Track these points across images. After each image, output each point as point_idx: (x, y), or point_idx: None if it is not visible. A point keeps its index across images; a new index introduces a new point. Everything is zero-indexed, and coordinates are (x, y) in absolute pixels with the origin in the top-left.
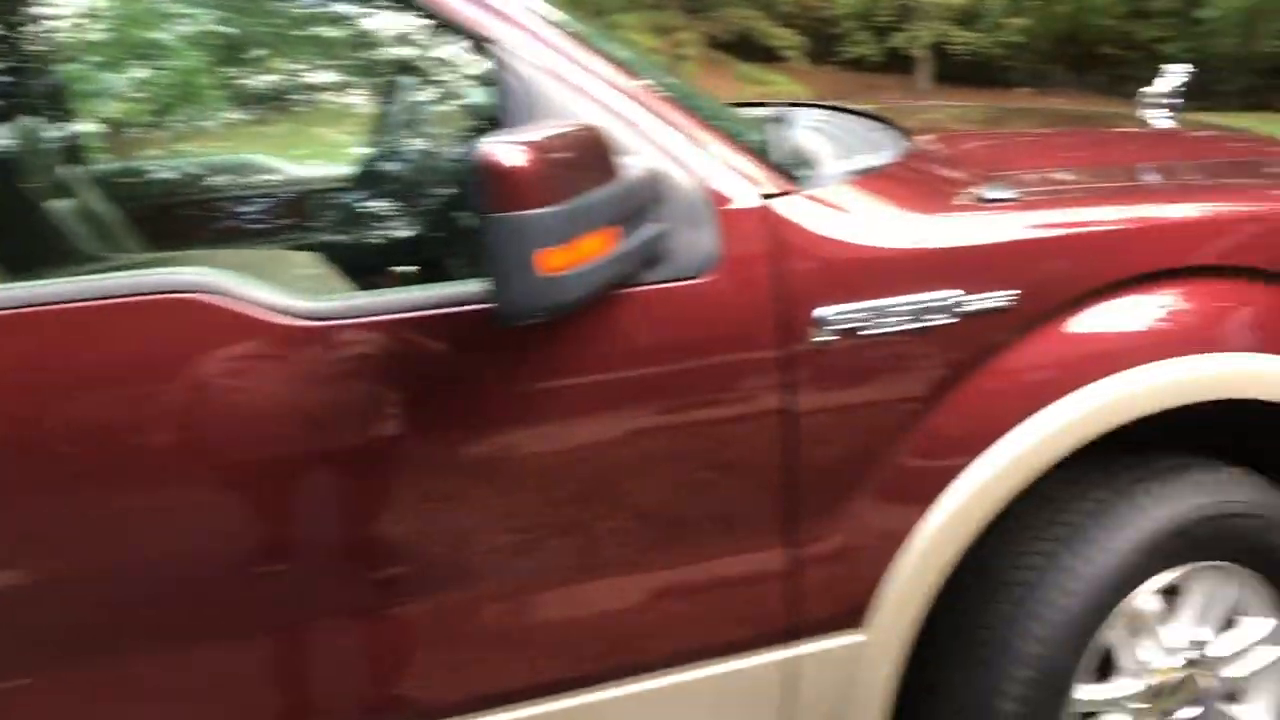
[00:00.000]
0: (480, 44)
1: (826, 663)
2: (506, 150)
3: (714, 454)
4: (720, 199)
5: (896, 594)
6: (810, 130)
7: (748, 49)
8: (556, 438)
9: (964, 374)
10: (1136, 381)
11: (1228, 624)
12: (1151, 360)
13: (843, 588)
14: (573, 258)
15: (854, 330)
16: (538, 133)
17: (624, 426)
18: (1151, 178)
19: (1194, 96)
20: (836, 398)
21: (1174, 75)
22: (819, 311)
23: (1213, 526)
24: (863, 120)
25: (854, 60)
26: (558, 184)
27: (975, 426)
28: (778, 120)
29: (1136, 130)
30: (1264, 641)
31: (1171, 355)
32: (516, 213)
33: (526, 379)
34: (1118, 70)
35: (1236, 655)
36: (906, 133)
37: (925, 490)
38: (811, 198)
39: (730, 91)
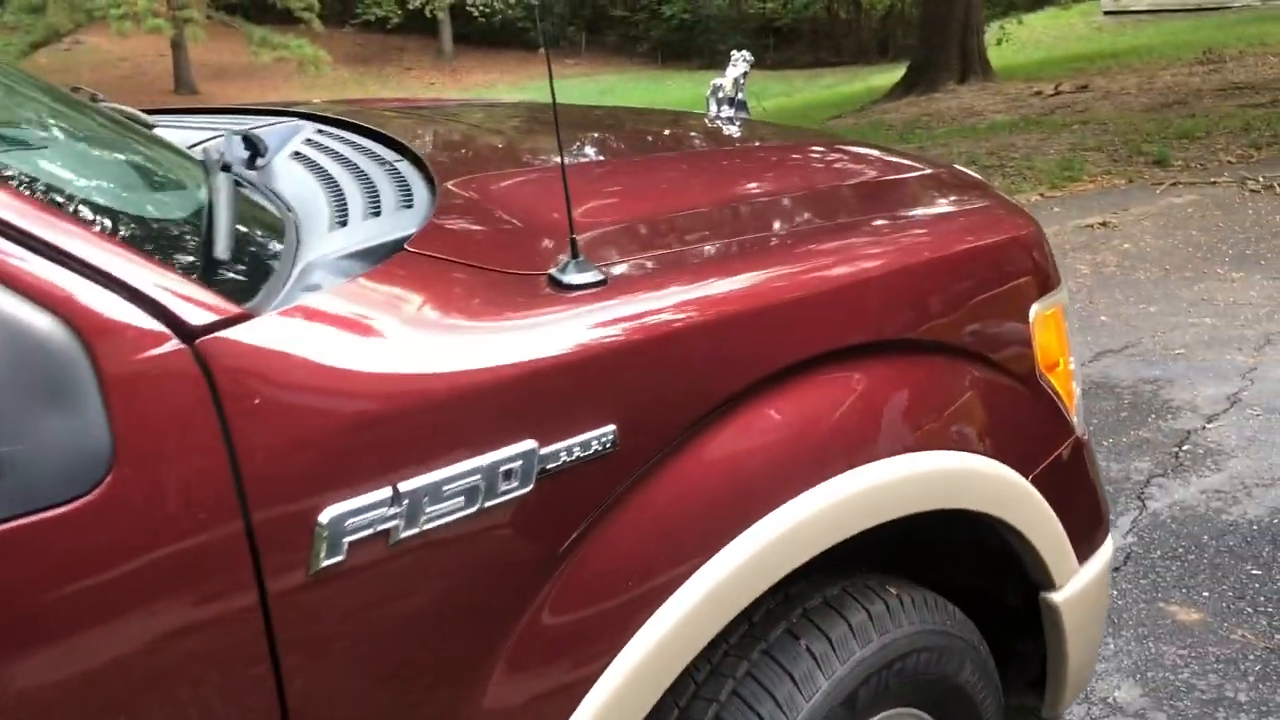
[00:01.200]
0: None
1: None
2: None
3: None
4: (109, 351)
5: None
6: (294, 174)
7: (261, 11)
8: None
9: (558, 564)
10: (797, 520)
11: None
12: (814, 483)
13: None
14: None
15: (382, 536)
16: None
17: None
18: (787, 220)
19: (690, 55)
20: (351, 650)
21: (740, 64)
22: (323, 516)
23: (879, 677)
24: (371, 149)
25: (375, 21)
26: None
27: (585, 640)
28: (240, 152)
29: (736, 146)
30: None
31: (838, 471)
32: None
33: None
34: (629, 31)
35: None
36: (429, 170)
37: None
38: (290, 316)
39: (245, 60)
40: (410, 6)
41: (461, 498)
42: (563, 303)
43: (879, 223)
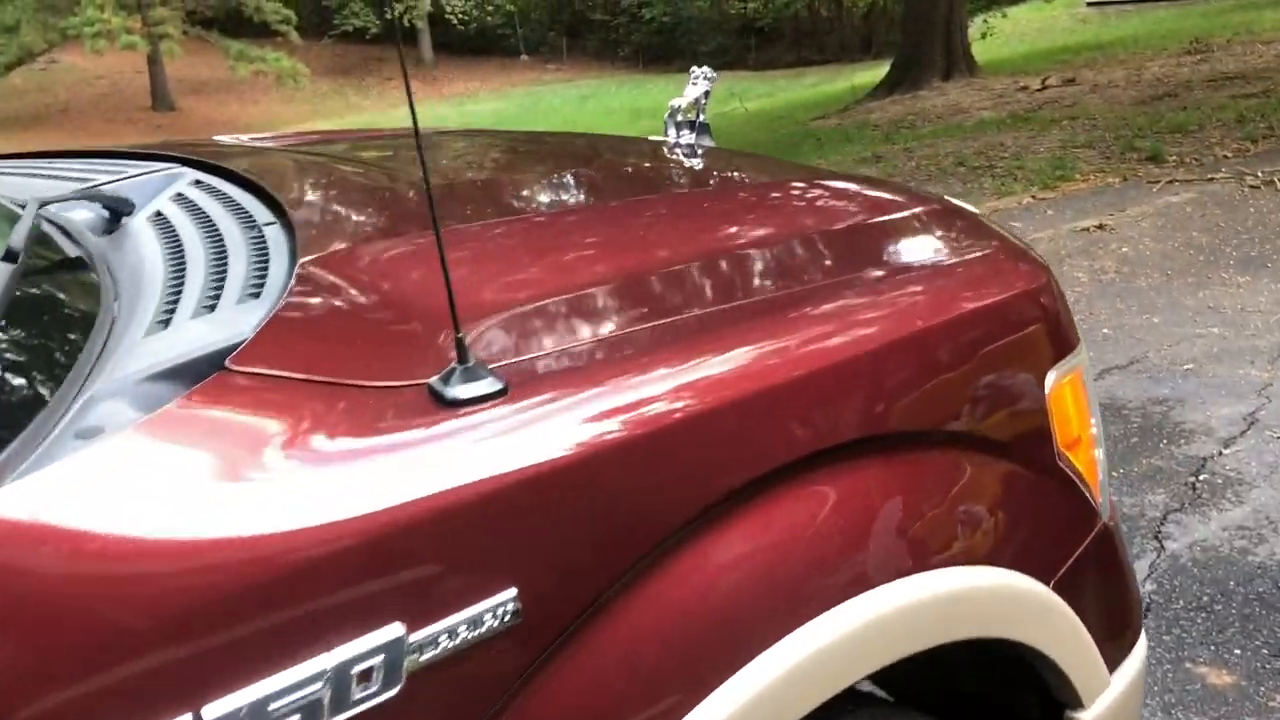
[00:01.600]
0: None
1: None
2: None
3: None
4: None
5: None
6: (143, 244)
7: (238, 25)
8: None
9: None
10: (756, 691)
11: None
12: (781, 634)
13: None
14: None
15: None
16: None
17: None
18: (744, 289)
19: (672, 57)
20: None
21: (701, 82)
22: None
23: None
24: (246, 208)
25: (353, 32)
26: None
27: None
28: (96, 213)
29: (687, 190)
30: None
31: (810, 615)
32: None
33: None
34: (609, 35)
35: None
36: (292, 230)
37: None
38: (38, 484)
39: (223, 74)
40: (388, 16)
41: (296, 718)
42: (445, 425)
43: (859, 286)
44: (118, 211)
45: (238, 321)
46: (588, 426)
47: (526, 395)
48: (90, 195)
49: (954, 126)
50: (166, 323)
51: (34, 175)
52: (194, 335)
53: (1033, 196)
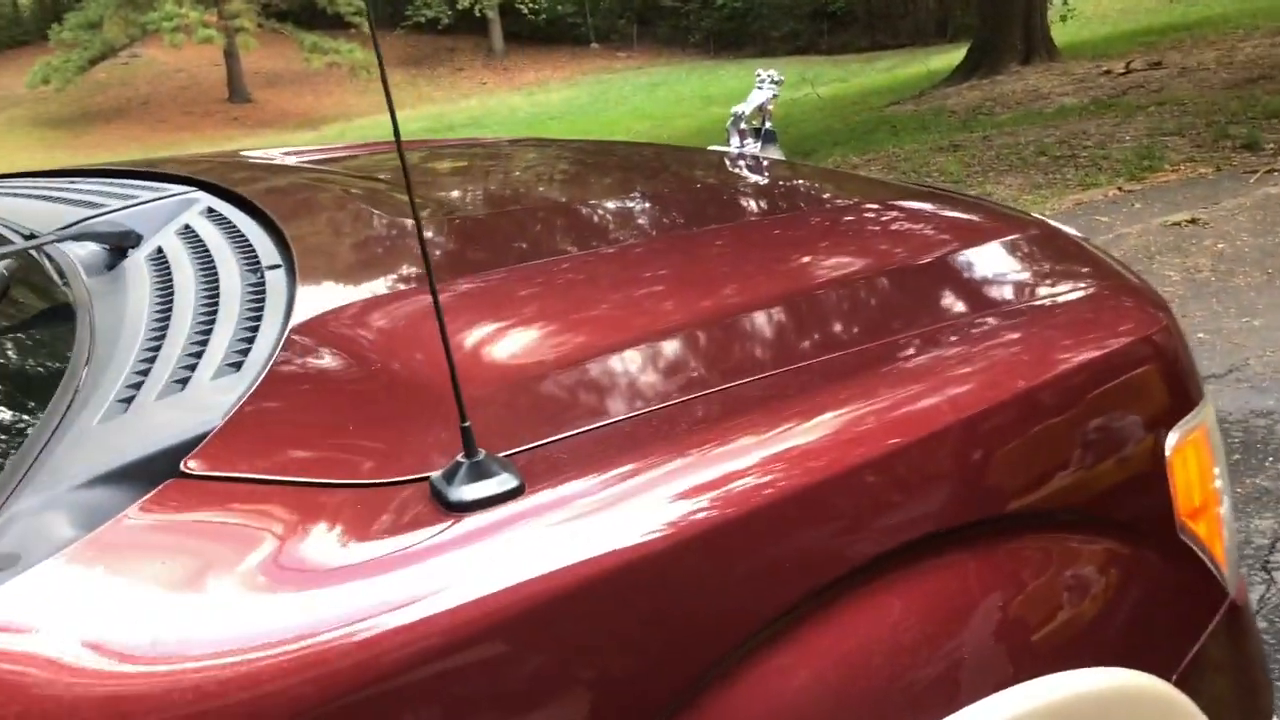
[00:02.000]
0: None
1: None
2: None
3: None
4: None
5: None
6: (135, 291)
7: (312, 17)
8: None
9: None
10: None
11: None
12: None
13: None
14: None
15: None
16: None
17: None
18: (810, 344)
19: (744, 43)
20: None
21: (767, 86)
22: None
23: None
24: (255, 244)
25: (426, 23)
26: None
27: None
28: (92, 250)
29: (746, 217)
30: None
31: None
32: None
33: None
34: (679, 22)
35: None
36: (295, 277)
37: None
38: None
39: (297, 67)
40: (460, 7)
41: None
42: (447, 532)
43: (948, 336)
44: (121, 247)
45: (209, 403)
46: (624, 530)
47: (549, 483)
48: (87, 233)
49: (1034, 113)
50: (129, 402)
51: (47, 198)
52: (154, 423)
53: (1119, 188)
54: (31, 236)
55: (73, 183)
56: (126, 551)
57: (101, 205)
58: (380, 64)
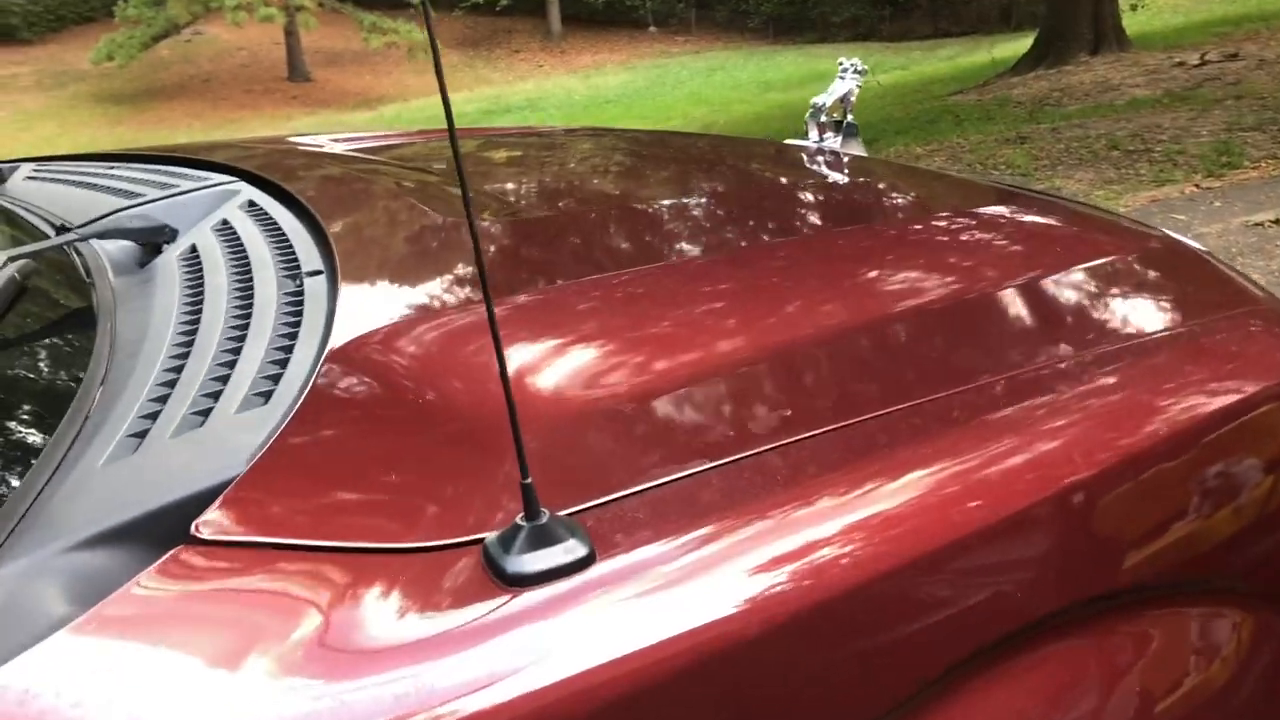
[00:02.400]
0: None
1: None
2: None
3: None
4: None
5: None
6: (167, 297)
7: None
8: None
9: None
10: None
11: None
12: None
13: None
14: None
15: None
16: None
17: None
18: (924, 380)
19: (803, 29)
20: None
21: (850, 76)
22: None
23: None
24: (295, 244)
25: (484, 4)
26: None
27: None
28: (122, 246)
29: (840, 224)
30: None
31: None
32: None
33: None
34: (738, 6)
35: None
36: (337, 286)
37: None
38: None
39: (357, 46)
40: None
41: None
42: (502, 609)
43: (1070, 375)
44: (154, 243)
45: (230, 444)
46: (709, 605)
47: (624, 547)
48: (118, 228)
49: (1104, 105)
50: (141, 437)
51: (87, 185)
52: (167, 467)
53: (1196, 185)
54: (63, 228)
55: (112, 168)
56: (131, 631)
57: (140, 195)
58: (436, 61)
